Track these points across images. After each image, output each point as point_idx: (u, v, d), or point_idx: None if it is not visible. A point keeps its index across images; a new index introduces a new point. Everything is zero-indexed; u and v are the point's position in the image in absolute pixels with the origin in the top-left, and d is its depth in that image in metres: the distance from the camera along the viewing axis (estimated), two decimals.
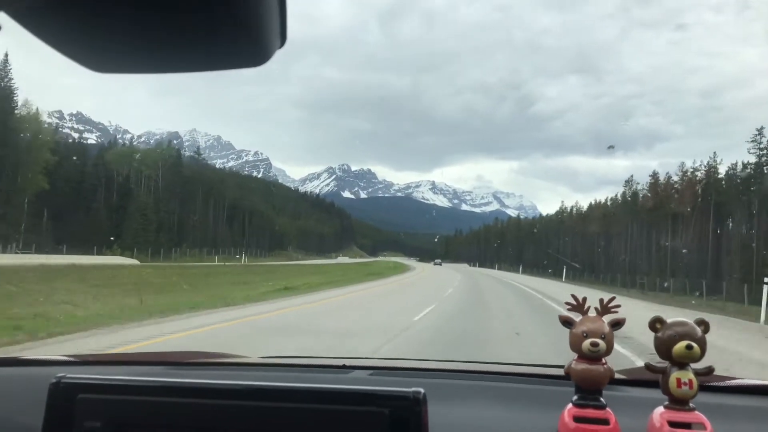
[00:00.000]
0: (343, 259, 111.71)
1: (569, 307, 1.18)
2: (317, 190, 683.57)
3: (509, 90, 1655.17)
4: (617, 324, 1.15)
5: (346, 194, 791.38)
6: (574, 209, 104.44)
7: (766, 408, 1.48)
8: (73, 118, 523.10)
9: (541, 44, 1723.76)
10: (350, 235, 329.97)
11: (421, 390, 0.85)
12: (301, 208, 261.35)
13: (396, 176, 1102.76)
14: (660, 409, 1.12)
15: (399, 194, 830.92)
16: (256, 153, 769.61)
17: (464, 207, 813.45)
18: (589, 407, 1.12)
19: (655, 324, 1.12)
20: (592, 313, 1.16)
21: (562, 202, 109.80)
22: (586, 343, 1.10)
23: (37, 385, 1.01)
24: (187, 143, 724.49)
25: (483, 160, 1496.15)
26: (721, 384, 1.59)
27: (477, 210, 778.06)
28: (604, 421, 1.11)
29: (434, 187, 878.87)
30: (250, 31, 0.51)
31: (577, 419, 1.12)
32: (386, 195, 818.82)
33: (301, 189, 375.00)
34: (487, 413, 1.40)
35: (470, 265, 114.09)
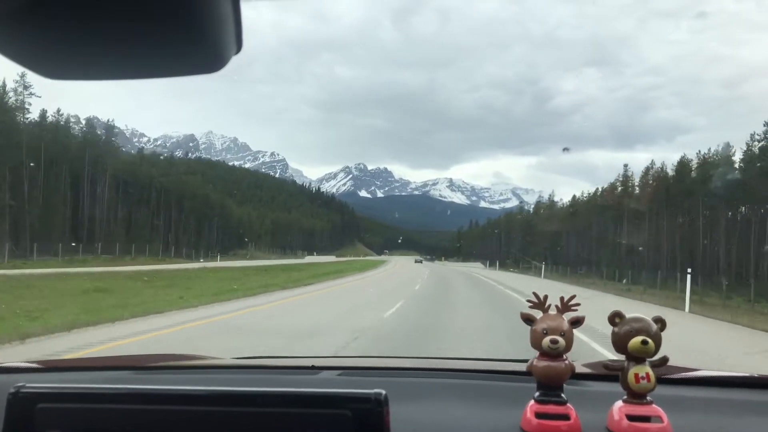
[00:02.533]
0: (314, 258, 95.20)
1: (531, 304, 1.20)
2: (334, 190, 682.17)
3: (526, 84, 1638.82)
4: (577, 322, 1.18)
5: (363, 193, 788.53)
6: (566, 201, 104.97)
7: (721, 399, 1.52)
8: (92, 121, 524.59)
9: (558, 37, 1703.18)
10: (353, 232, 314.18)
11: (383, 391, 0.87)
12: (294, 202, 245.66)
13: (413, 174, 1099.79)
14: (619, 403, 1.14)
15: (416, 192, 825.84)
16: (272, 154, 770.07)
17: (482, 204, 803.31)
18: (551, 403, 1.14)
19: (615, 318, 1.14)
20: (552, 311, 1.18)
21: (573, 196, 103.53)
22: (546, 340, 1.12)
23: None
24: (203, 146, 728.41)
25: (501, 157, 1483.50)
26: (678, 376, 1.65)
27: (496, 207, 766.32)
28: (565, 417, 1.13)
29: (452, 185, 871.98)
30: (205, 37, 0.51)
31: (539, 415, 1.14)
32: (403, 193, 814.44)
33: (319, 189, 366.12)
34: (451, 411, 1.41)
35: (485, 266, 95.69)
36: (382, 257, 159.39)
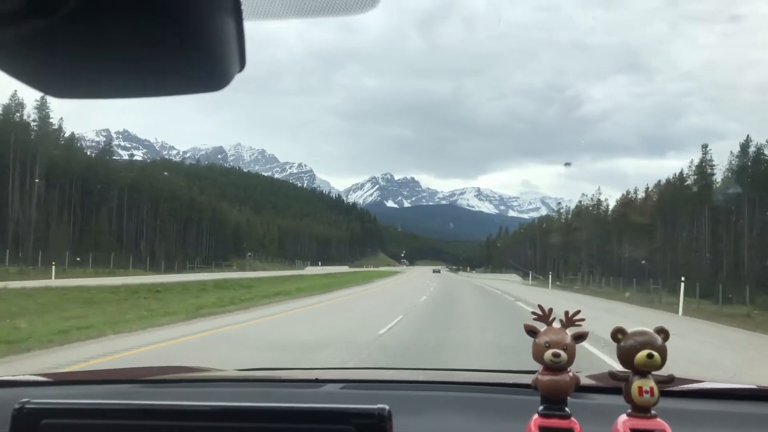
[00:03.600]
0: (317, 270, 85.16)
1: (535, 317, 1.20)
2: (361, 200, 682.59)
3: (554, 92, 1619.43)
4: (580, 337, 1.17)
5: (390, 203, 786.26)
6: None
7: (725, 412, 1.53)
8: (120, 136, 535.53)
9: (586, 44, 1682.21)
10: (375, 242, 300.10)
11: (386, 407, 0.87)
12: (310, 210, 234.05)
13: (440, 184, 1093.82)
14: (623, 417, 1.14)
15: (443, 202, 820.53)
16: (300, 165, 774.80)
17: (511, 213, 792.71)
18: (555, 417, 1.14)
19: (617, 334, 1.14)
20: (557, 325, 1.18)
21: (626, 191, 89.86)
22: (548, 354, 1.12)
23: (1, 408, 1.01)
24: (231, 158, 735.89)
25: (529, 165, 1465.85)
26: (683, 388, 1.64)
27: (525, 216, 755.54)
28: (569, 431, 1.13)
29: (479, 194, 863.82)
30: (209, 56, 0.52)
31: (543, 429, 1.14)
32: (430, 203, 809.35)
33: (339, 196, 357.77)
34: (454, 425, 1.42)
35: (524, 279, 75.04)
36: (397, 268, 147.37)
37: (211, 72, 0.54)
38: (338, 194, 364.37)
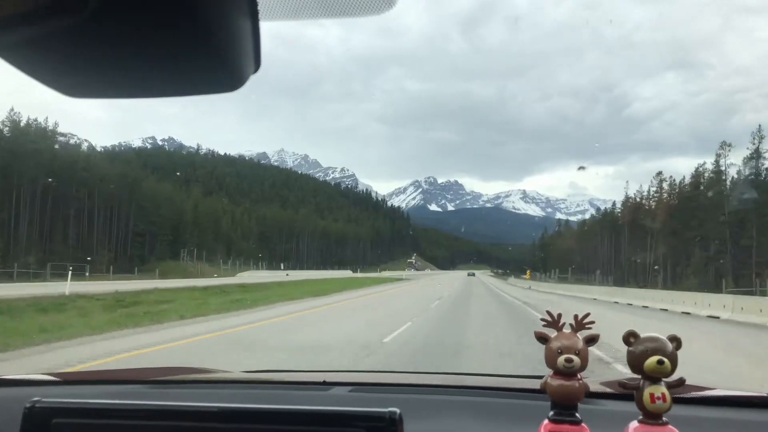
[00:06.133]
0: (298, 275, 69.34)
1: (545, 323, 1.19)
2: (403, 204, 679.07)
3: (601, 92, 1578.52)
4: (591, 340, 1.17)
5: (433, 207, 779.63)
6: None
7: (737, 419, 1.52)
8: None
9: (634, 41, 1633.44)
10: (409, 243, 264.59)
11: (397, 410, 0.87)
12: (329, 205, 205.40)
13: (484, 187, 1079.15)
14: (634, 424, 1.13)
15: (488, 205, 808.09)
16: (342, 170, 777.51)
17: (558, 216, 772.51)
18: (565, 423, 1.13)
19: (629, 338, 1.13)
20: (567, 329, 1.18)
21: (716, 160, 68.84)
22: (561, 359, 1.11)
23: (13, 406, 1.02)
24: (275, 163, 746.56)
25: (576, 167, 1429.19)
26: (694, 395, 1.64)
27: (573, 219, 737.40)
28: None
29: (525, 197, 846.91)
30: (225, 57, 0.52)
31: None
32: (474, 206, 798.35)
33: (367, 191, 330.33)
34: (465, 429, 1.42)
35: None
36: (403, 273, 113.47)
37: (226, 73, 0.54)
38: (369, 191, 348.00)
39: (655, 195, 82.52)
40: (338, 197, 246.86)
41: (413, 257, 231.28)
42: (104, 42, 0.48)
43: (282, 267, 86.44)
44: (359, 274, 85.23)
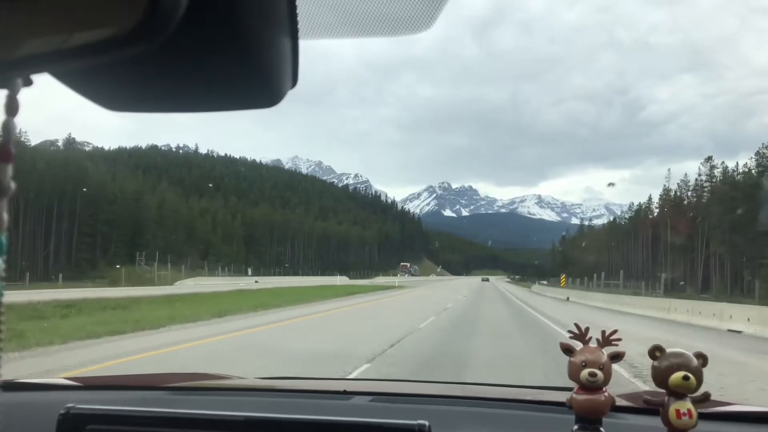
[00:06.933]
0: (279, 281, 61.31)
1: (571, 335, 1.19)
2: (418, 210, 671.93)
3: (616, 95, 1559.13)
4: (616, 357, 1.17)
5: (447, 212, 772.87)
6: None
7: None
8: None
9: (649, 43, 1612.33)
10: (420, 247, 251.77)
11: (426, 423, 0.86)
12: (331, 205, 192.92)
13: (499, 192, 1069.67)
14: None
15: (503, 210, 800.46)
16: (356, 176, 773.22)
17: (574, 221, 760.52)
18: None
19: (655, 352, 1.12)
20: (593, 344, 1.17)
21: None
22: (584, 373, 1.11)
23: (43, 411, 1.04)
24: (290, 170, 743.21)
25: (591, 171, 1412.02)
26: (719, 410, 1.62)
27: (588, 223, 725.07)
28: None
29: (540, 201, 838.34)
30: (265, 74, 0.52)
31: None
32: (489, 212, 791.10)
33: (376, 193, 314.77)
34: None
35: None
36: (392, 280, 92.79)
37: (265, 89, 0.54)
38: (381, 195, 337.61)
39: (706, 184, 74.02)
40: (345, 199, 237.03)
41: (422, 261, 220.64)
42: (149, 59, 0.48)
43: (249, 272, 72.86)
44: (356, 281, 76.14)
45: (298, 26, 0.53)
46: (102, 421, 0.94)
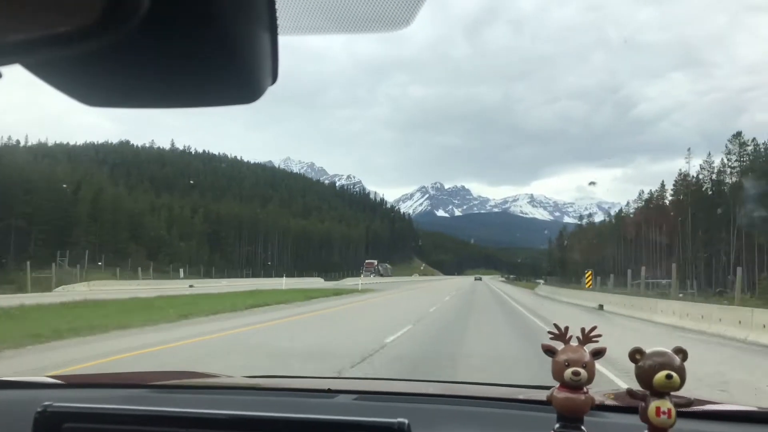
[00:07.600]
0: (225, 286, 49.34)
1: (552, 336, 1.19)
2: (410, 210, 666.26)
3: (607, 93, 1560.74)
4: (598, 353, 1.17)
5: (440, 213, 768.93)
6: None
7: None
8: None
9: (639, 42, 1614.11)
10: (412, 247, 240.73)
11: (405, 421, 0.86)
12: (315, 204, 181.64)
13: (491, 191, 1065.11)
14: None
15: (495, 210, 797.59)
16: (348, 177, 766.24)
17: (567, 219, 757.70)
18: None
19: (635, 355, 1.12)
20: (573, 342, 1.18)
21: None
22: (568, 372, 1.12)
23: (21, 409, 1.04)
24: (273, 168, 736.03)
25: (583, 170, 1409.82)
26: (700, 410, 1.62)
27: (581, 222, 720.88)
28: None
29: (533, 200, 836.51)
30: (244, 69, 0.52)
31: None
32: (482, 211, 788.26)
33: (365, 190, 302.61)
34: None
35: None
36: (358, 281, 67.65)
37: (245, 85, 0.54)
38: (372, 194, 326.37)
39: (736, 164, 62.08)
40: (332, 197, 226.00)
41: (412, 261, 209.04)
42: (126, 53, 0.48)
43: (181, 275, 60.82)
44: (328, 284, 66.00)
45: (278, 22, 0.53)
46: (80, 419, 0.93)
